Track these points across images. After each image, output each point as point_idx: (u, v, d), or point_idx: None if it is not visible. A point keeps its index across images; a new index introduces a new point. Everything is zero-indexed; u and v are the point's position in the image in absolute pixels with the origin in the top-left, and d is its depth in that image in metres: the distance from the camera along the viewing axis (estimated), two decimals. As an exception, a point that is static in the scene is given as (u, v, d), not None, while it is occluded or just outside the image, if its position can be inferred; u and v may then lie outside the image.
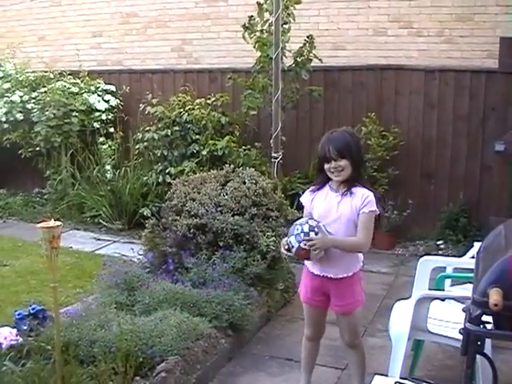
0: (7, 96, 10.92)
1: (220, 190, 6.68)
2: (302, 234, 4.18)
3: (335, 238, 4.25)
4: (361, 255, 4.48)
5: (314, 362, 4.84)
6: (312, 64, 9.04)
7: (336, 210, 4.30)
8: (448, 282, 5.52)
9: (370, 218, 4.31)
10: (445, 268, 5.59)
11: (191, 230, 6.36)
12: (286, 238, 4.30)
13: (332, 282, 4.37)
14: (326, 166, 4.31)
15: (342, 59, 9.53)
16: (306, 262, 4.52)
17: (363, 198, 4.27)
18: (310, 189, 4.54)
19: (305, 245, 4.14)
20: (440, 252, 8.40)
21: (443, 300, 5.00)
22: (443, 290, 5.33)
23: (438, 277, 5.30)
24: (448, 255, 7.97)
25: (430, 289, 5.26)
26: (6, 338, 4.71)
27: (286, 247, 4.28)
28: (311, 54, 8.94)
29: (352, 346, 4.59)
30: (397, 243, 8.92)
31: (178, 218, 6.50)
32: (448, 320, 4.61)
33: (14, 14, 12.31)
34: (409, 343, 4.66)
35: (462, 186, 8.86)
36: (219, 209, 6.45)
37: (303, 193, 4.64)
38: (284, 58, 8.56)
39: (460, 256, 6.24)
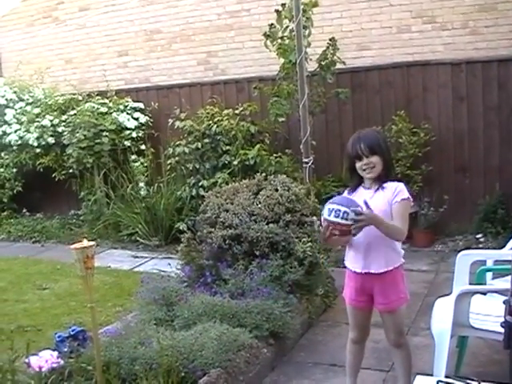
0: (38, 121, 11.08)
1: (253, 198, 6.65)
2: (345, 209, 4.05)
3: (381, 217, 4.18)
4: (401, 250, 4.44)
5: (359, 365, 4.78)
6: (338, 66, 8.99)
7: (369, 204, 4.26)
8: (489, 275, 5.43)
9: (404, 207, 4.28)
10: (485, 261, 5.51)
11: (226, 241, 6.33)
12: (324, 217, 4.18)
13: (374, 278, 4.33)
14: (358, 165, 4.31)
15: (368, 59, 9.51)
16: (348, 263, 4.49)
17: (393, 189, 4.27)
18: (346, 192, 4.52)
19: (346, 219, 4.02)
20: (480, 245, 8.29)
21: (485, 294, 4.93)
22: (484, 283, 5.24)
23: (478, 271, 5.21)
24: (488, 248, 7.87)
25: (470, 283, 5.18)
26: (47, 362, 4.70)
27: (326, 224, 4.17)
28: (335, 57, 8.89)
29: (397, 346, 4.52)
30: (435, 240, 8.82)
31: (213, 230, 6.48)
32: (490, 314, 4.52)
33: (41, 40, 12.51)
34: (452, 340, 4.58)
35: (497, 177, 8.75)
36: (253, 218, 6.42)
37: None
38: (308, 62, 8.52)
39: (500, 248, 6.15)
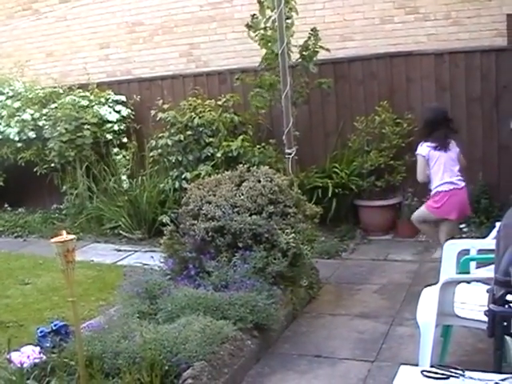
0: (18, 115, 10.96)
1: (235, 190, 6.61)
2: None
3: None
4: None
5: None
6: (321, 57, 8.97)
7: None
8: (473, 264, 5.43)
9: None
10: (469, 251, 5.51)
11: (209, 234, 6.29)
12: None
13: None
14: None
15: (351, 50, 9.49)
16: None
17: None
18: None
19: None
20: (464, 236, 8.27)
21: (469, 283, 4.92)
22: (468, 273, 5.24)
23: (462, 260, 5.21)
24: (472, 238, 7.87)
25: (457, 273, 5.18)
26: (28, 357, 4.66)
27: None
28: (317, 47, 8.84)
29: None
30: (419, 230, 8.80)
31: (196, 222, 6.43)
32: (475, 303, 4.52)
33: (21, 32, 12.37)
34: (437, 330, 4.57)
35: (480, 167, 8.72)
36: (236, 210, 6.37)
37: None
38: (291, 53, 8.49)
39: (483, 238, 6.15)
